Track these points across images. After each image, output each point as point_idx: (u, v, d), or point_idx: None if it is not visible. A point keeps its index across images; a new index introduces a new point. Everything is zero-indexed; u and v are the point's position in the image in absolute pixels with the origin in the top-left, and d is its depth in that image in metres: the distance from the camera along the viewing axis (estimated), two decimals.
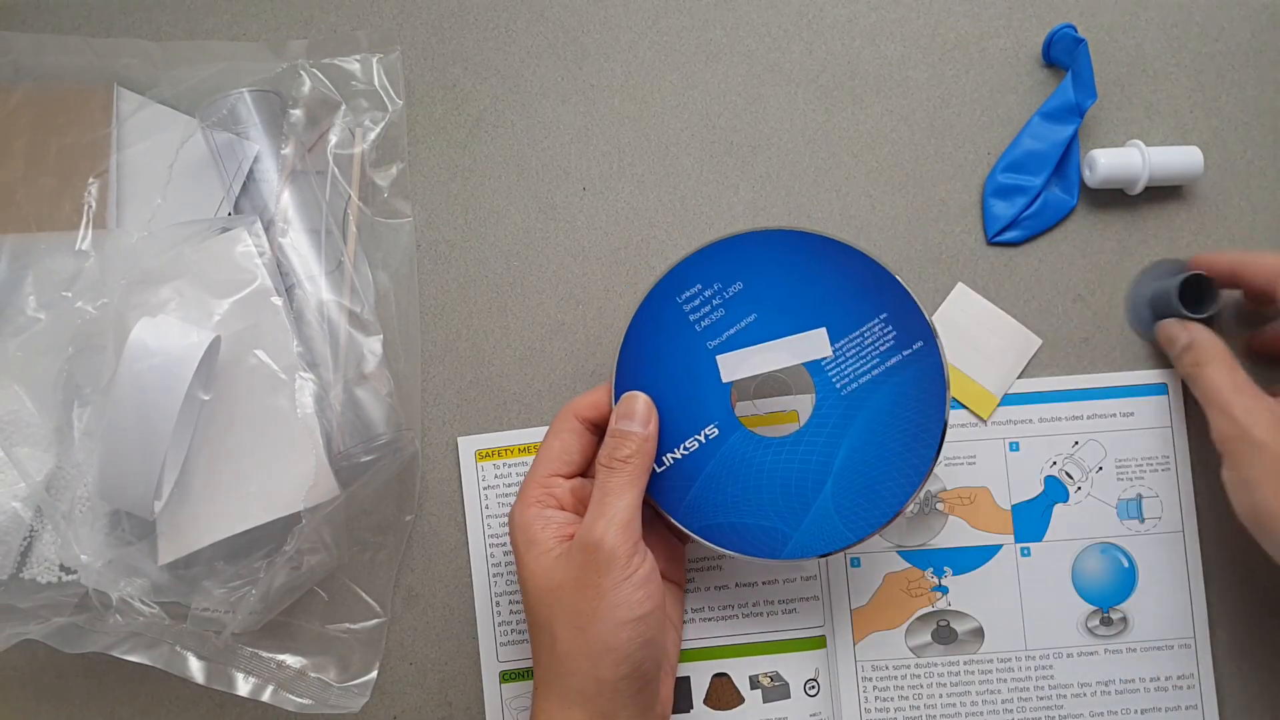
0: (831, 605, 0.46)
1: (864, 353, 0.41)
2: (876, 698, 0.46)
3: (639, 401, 0.40)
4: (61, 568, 0.45)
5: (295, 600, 0.46)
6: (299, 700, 0.44)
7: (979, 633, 0.46)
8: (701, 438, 0.41)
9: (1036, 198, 0.48)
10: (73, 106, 0.48)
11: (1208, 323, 0.46)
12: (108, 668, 0.45)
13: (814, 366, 0.41)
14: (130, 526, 0.44)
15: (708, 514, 0.41)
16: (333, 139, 0.47)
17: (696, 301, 0.42)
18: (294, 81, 0.48)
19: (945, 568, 0.47)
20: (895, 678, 0.46)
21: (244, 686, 0.44)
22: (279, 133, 0.46)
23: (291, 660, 0.46)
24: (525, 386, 0.48)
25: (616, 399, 0.41)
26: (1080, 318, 0.48)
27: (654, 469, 0.41)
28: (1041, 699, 0.46)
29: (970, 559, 0.47)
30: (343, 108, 0.48)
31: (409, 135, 0.49)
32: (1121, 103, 0.50)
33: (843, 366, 0.41)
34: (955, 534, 0.47)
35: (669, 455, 0.41)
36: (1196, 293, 0.46)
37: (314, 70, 0.48)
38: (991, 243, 0.49)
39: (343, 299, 0.45)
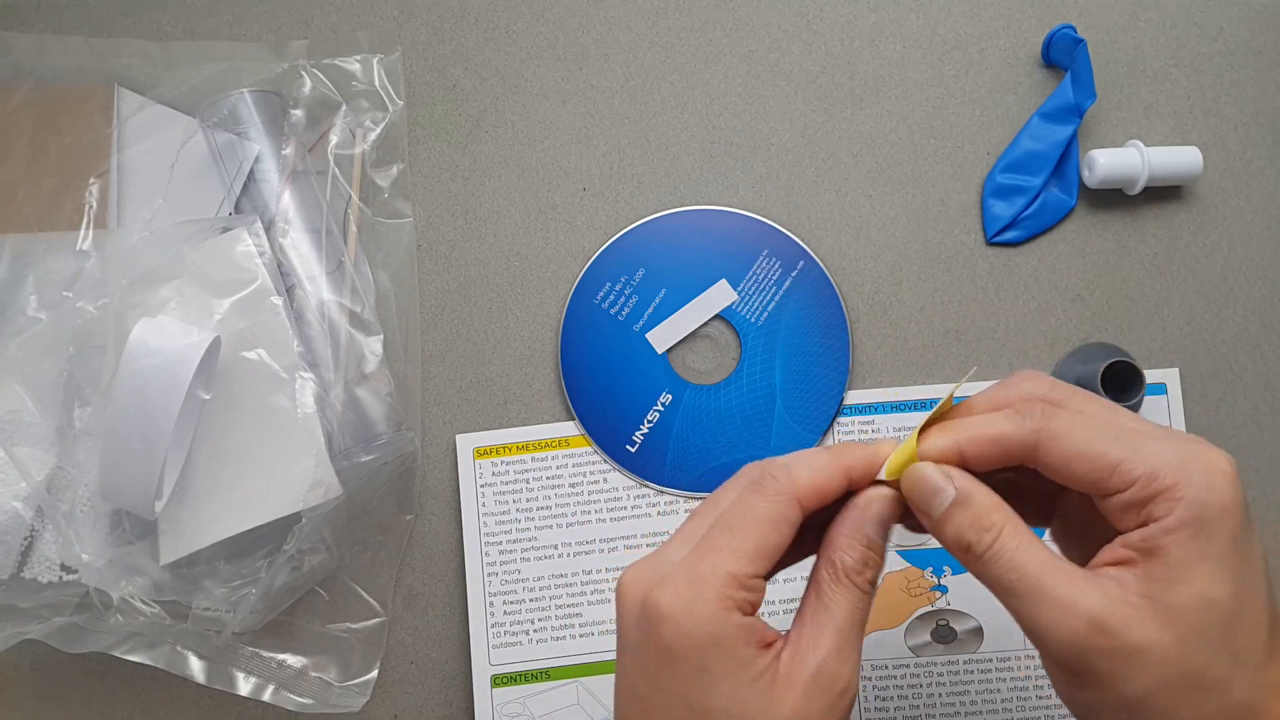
0: None
1: (762, 286, 0.48)
2: (876, 697, 0.46)
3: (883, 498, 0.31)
4: (62, 567, 0.45)
5: (296, 600, 0.46)
6: (300, 700, 0.44)
7: (978, 632, 0.47)
8: (660, 407, 0.47)
9: (1036, 198, 0.48)
10: (73, 107, 0.48)
11: (1133, 410, 0.43)
12: (108, 668, 0.45)
13: (728, 313, 0.48)
14: (131, 526, 0.44)
15: (690, 468, 0.47)
16: (333, 139, 0.47)
17: (611, 297, 0.48)
18: (294, 82, 0.48)
19: (945, 567, 0.47)
20: (895, 677, 0.46)
21: (245, 686, 0.44)
22: (279, 133, 0.46)
23: (292, 660, 0.46)
24: (525, 386, 0.48)
25: (574, 409, 0.47)
26: (1079, 318, 0.49)
27: (628, 449, 0.45)
28: (1041, 699, 0.46)
29: None
30: (343, 108, 0.48)
31: (409, 135, 0.49)
32: (1121, 103, 0.50)
33: (750, 303, 0.48)
34: None
35: (637, 433, 0.47)
36: (1121, 380, 0.44)
37: (314, 70, 0.48)
38: (991, 243, 0.49)
39: (343, 299, 0.45)
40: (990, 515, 0.29)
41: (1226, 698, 0.26)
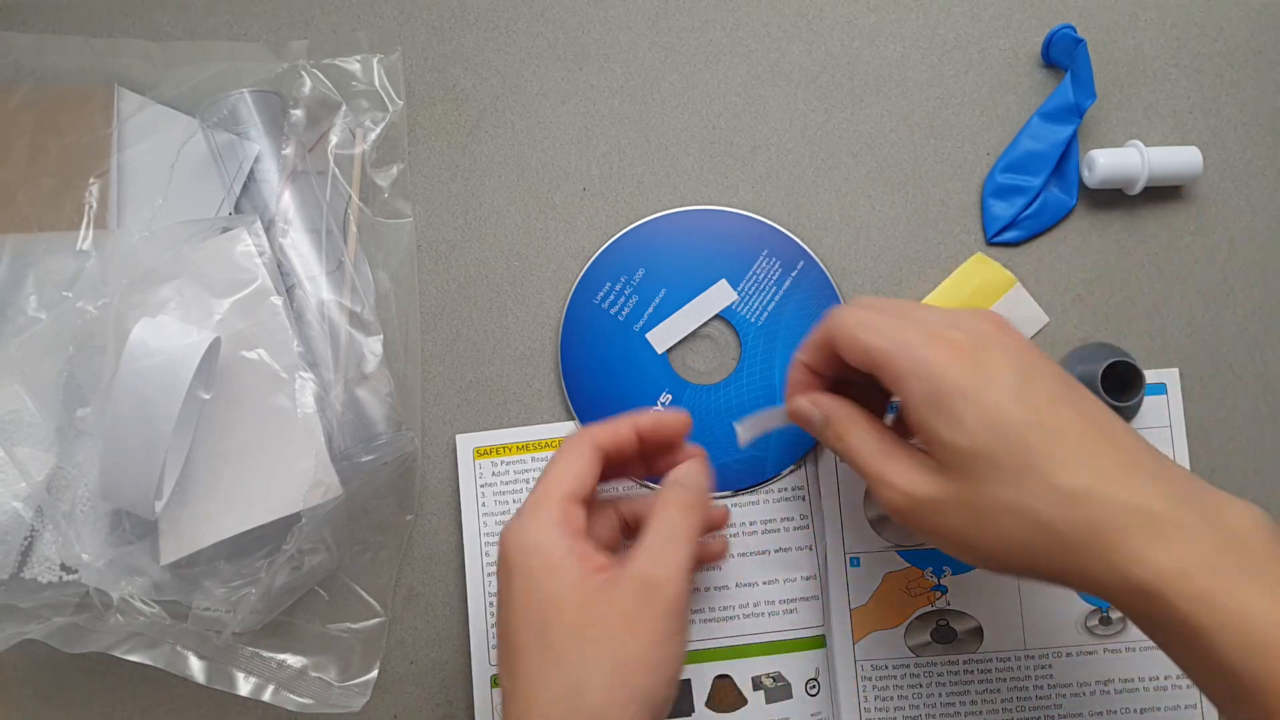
0: (830, 605, 0.46)
1: (762, 286, 0.48)
2: (876, 697, 0.46)
3: (705, 458, 0.41)
4: (62, 567, 0.45)
5: (296, 600, 0.46)
6: (300, 700, 0.44)
7: (978, 632, 0.46)
8: (659, 407, 0.47)
9: (1036, 198, 0.48)
10: (73, 107, 0.48)
11: (1133, 410, 0.46)
12: (108, 668, 0.45)
13: (728, 313, 0.48)
14: (131, 526, 0.44)
15: None
16: (333, 139, 0.47)
17: (611, 297, 0.48)
18: (294, 82, 0.48)
19: (945, 567, 0.47)
20: (895, 677, 0.46)
21: (245, 686, 0.44)
22: (279, 133, 0.46)
23: (292, 660, 0.46)
24: (525, 386, 0.48)
25: (574, 409, 0.47)
26: (1079, 318, 0.49)
27: None
28: (1041, 698, 0.46)
29: None
30: (343, 108, 0.48)
31: (409, 135, 0.49)
32: (1121, 103, 0.50)
33: (750, 303, 0.48)
34: None
35: None
36: (1121, 380, 0.45)
37: (314, 70, 0.48)
38: (991, 243, 0.49)
39: (343, 299, 0.45)
40: (842, 424, 0.38)
41: (1024, 518, 0.32)
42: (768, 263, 0.48)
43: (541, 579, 0.35)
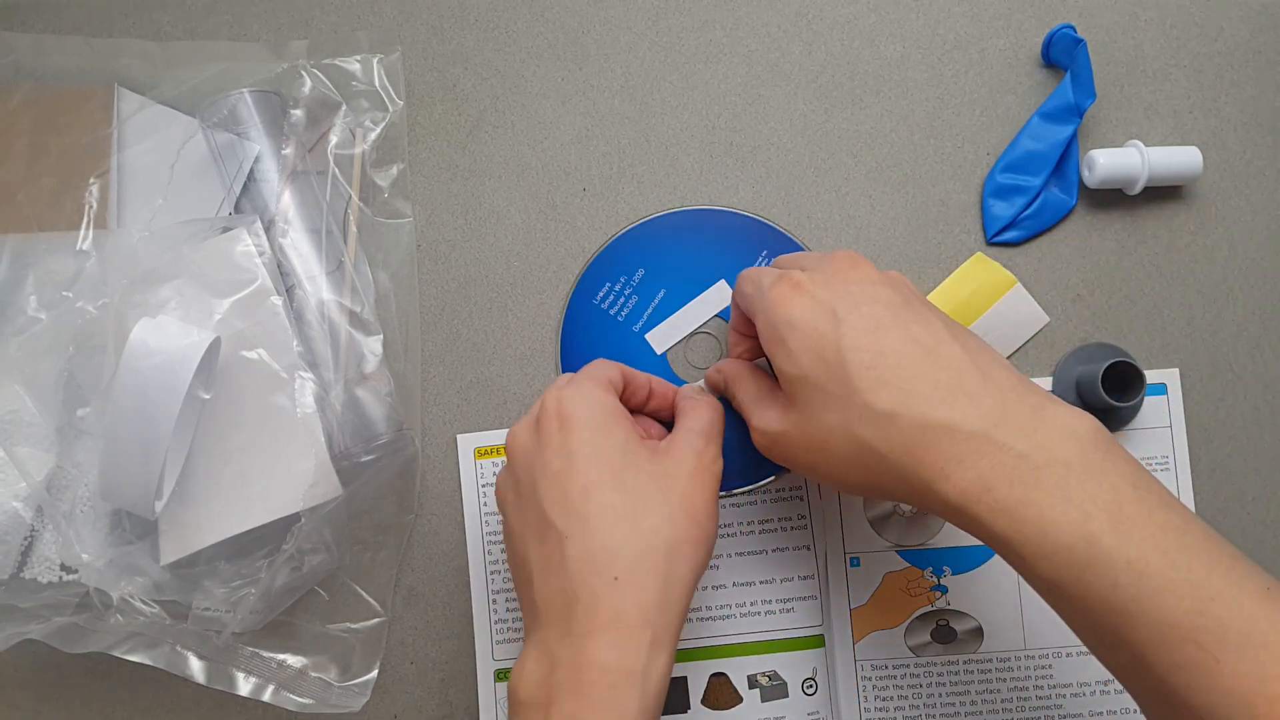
0: (830, 604, 0.47)
1: None
2: (876, 697, 0.46)
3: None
4: (62, 567, 0.45)
5: (296, 600, 0.46)
6: (300, 700, 0.44)
7: (978, 632, 0.46)
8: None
9: (1036, 198, 0.48)
10: (73, 107, 0.48)
11: (1134, 410, 0.46)
12: (108, 668, 0.45)
13: (727, 313, 0.47)
14: (131, 526, 0.44)
15: None
16: (333, 139, 0.47)
17: (610, 298, 0.48)
18: (295, 82, 0.48)
19: (944, 567, 0.47)
20: (894, 677, 0.46)
21: (245, 686, 0.44)
22: (279, 133, 0.46)
23: (292, 660, 0.46)
24: (525, 386, 0.48)
25: None
26: (1079, 318, 0.49)
27: None
28: (1041, 698, 0.46)
29: (969, 558, 0.47)
30: (343, 108, 0.48)
31: (409, 135, 0.50)
32: (1121, 103, 0.50)
33: None
34: (954, 533, 0.47)
35: None
36: (1122, 381, 0.45)
37: (314, 70, 0.48)
38: (991, 243, 0.49)
39: (343, 299, 0.45)
40: (732, 381, 0.42)
41: (850, 439, 0.34)
42: (766, 263, 0.48)
43: (612, 427, 0.37)
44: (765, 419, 0.38)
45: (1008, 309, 0.48)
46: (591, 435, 0.36)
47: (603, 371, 0.40)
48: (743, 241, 0.48)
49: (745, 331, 0.43)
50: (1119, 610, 0.30)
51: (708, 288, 0.48)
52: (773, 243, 0.48)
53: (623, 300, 0.48)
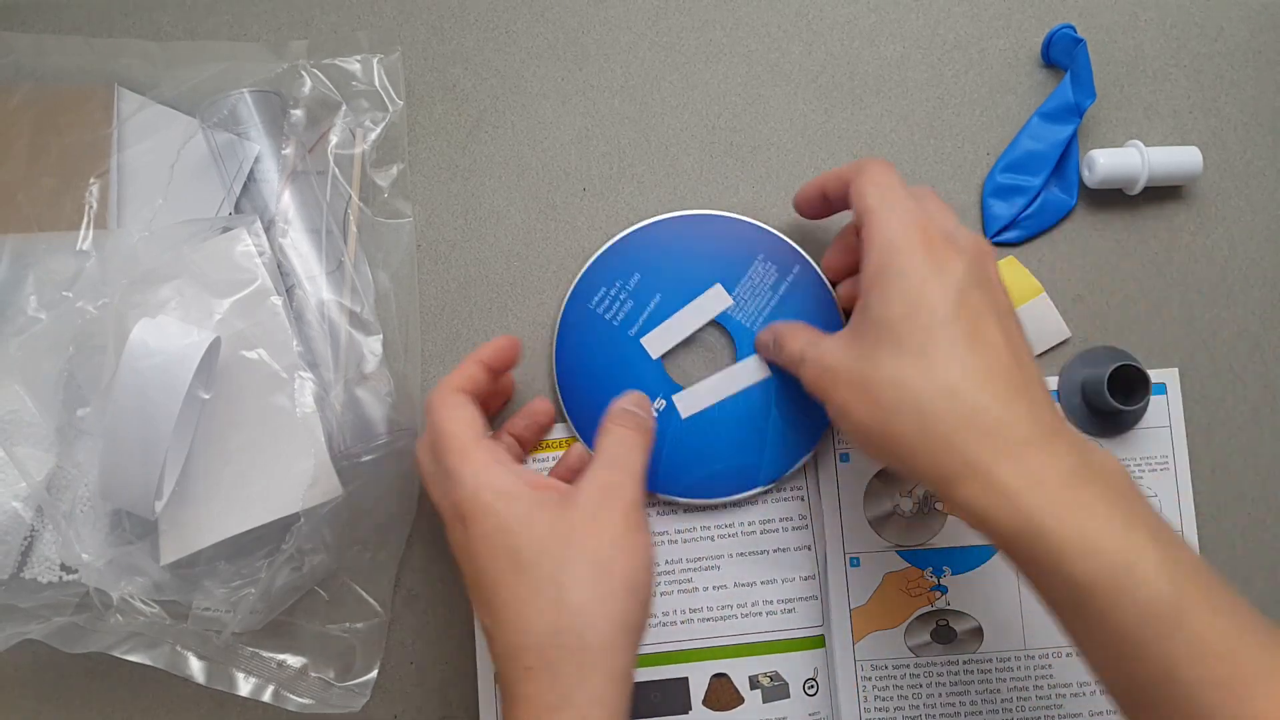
0: (830, 605, 0.47)
1: (757, 291, 0.47)
2: (876, 697, 0.46)
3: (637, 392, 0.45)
4: (62, 567, 0.45)
5: (296, 600, 0.46)
6: (300, 700, 0.44)
7: (978, 632, 0.47)
8: (654, 412, 0.46)
9: (1036, 198, 0.48)
10: (73, 107, 0.48)
11: (1138, 414, 0.47)
12: (108, 668, 0.45)
13: (723, 318, 0.47)
14: (131, 526, 0.44)
15: (684, 474, 0.46)
16: (333, 139, 0.47)
17: (606, 302, 0.47)
18: (295, 82, 0.48)
19: (944, 567, 0.47)
20: (894, 677, 0.46)
21: (245, 686, 0.44)
22: (279, 133, 0.46)
23: (292, 660, 0.46)
24: (525, 387, 0.48)
25: (568, 413, 0.47)
26: (1079, 318, 0.49)
27: None
28: (1041, 698, 0.46)
29: (969, 559, 0.47)
30: (343, 108, 0.48)
31: (409, 135, 0.50)
32: (1121, 103, 0.50)
33: (745, 308, 0.47)
34: (954, 534, 0.47)
35: None
36: (1127, 385, 0.45)
37: (314, 70, 0.48)
38: (990, 243, 0.49)
39: (343, 299, 0.45)
40: (784, 335, 0.43)
41: (902, 391, 0.35)
42: (763, 267, 0.47)
43: (500, 511, 0.36)
44: (821, 350, 0.39)
45: (1030, 318, 0.48)
46: (482, 525, 0.36)
47: (466, 430, 0.38)
48: (738, 246, 0.47)
49: (850, 244, 0.44)
50: (1156, 617, 0.31)
51: (702, 292, 0.47)
52: (768, 247, 0.47)
53: (618, 305, 0.47)
